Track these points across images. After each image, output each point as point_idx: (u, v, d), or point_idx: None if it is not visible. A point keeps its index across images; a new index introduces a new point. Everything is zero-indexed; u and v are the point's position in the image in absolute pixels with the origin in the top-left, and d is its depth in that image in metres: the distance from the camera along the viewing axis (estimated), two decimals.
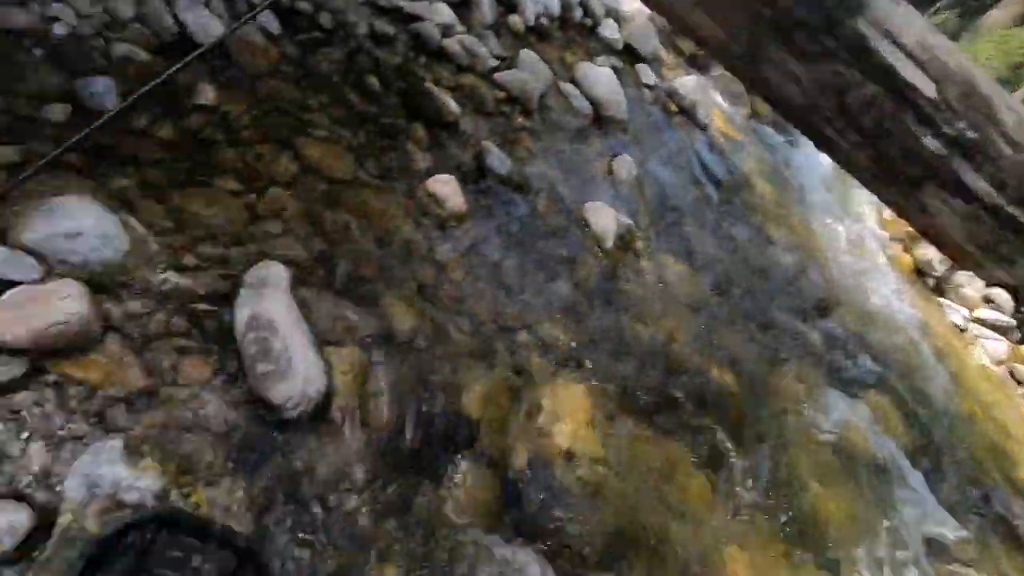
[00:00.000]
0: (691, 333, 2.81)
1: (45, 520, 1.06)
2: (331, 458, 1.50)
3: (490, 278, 2.31)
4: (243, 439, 1.39)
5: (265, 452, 1.40)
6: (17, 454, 1.09)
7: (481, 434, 1.86)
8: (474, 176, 2.63)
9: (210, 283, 1.55)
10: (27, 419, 1.14)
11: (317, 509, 1.43)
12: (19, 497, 1.05)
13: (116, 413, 1.25)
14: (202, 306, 1.50)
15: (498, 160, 2.67)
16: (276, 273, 1.61)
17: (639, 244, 2.97)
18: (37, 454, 1.11)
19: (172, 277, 1.50)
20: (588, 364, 2.34)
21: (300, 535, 1.37)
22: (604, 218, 2.78)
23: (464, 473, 1.74)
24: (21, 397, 1.15)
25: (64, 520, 1.07)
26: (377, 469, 1.57)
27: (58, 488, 1.10)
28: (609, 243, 2.74)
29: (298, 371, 1.44)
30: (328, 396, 1.54)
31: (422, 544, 1.57)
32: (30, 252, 1.30)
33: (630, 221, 2.94)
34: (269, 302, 1.50)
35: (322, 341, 1.64)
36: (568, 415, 2.10)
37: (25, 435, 1.12)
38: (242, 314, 1.47)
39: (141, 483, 1.15)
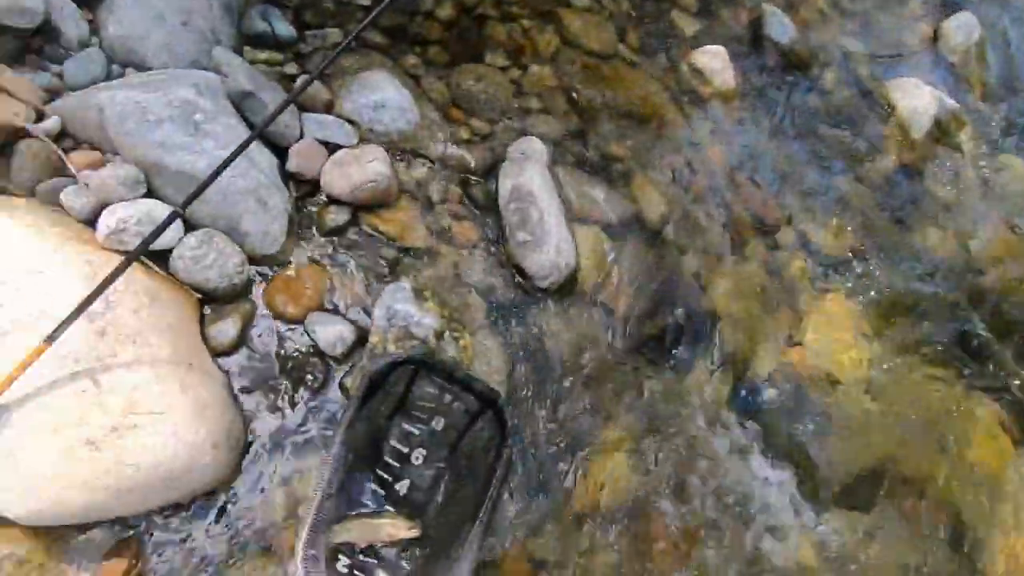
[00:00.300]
0: (1018, 260, 2.16)
1: (360, 337, 1.34)
2: (573, 330, 1.58)
3: (755, 167, 2.04)
4: (501, 300, 1.54)
5: (518, 315, 1.54)
6: (345, 285, 1.38)
7: (723, 334, 1.75)
8: (748, 47, 2.28)
9: (479, 155, 1.68)
10: (349, 257, 1.42)
11: (556, 371, 1.55)
12: (345, 317, 1.35)
13: (406, 262, 1.48)
14: (473, 176, 1.64)
15: (779, 26, 2.25)
16: (535, 148, 1.66)
17: (964, 136, 2.29)
18: (356, 286, 1.39)
19: (450, 148, 1.66)
20: (863, 278, 1.99)
21: (539, 391, 1.51)
22: (917, 99, 2.19)
23: (699, 369, 1.69)
24: (345, 240, 1.43)
25: (372, 340, 1.34)
26: (614, 347, 1.61)
27: (368, 315, 1.37)
28: (919, 131, 2.17)
29: (551, 243, 1.50)
30: (576, 271, 1.60)
31: (647, 423, 1.60)
32: (349, 120, 1.55)
33: (955, 104, 2.27)
34: (529, 175, 1.56)
35: (573, 217, 1.68)
36: (829, 331, 1.84)
37: (348, 270, 1.40)
38: (505, 185, 1.57)
39: (425, 321, 1.38)
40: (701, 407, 1.66)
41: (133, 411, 0.95)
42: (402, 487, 1.20)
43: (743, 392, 1.69)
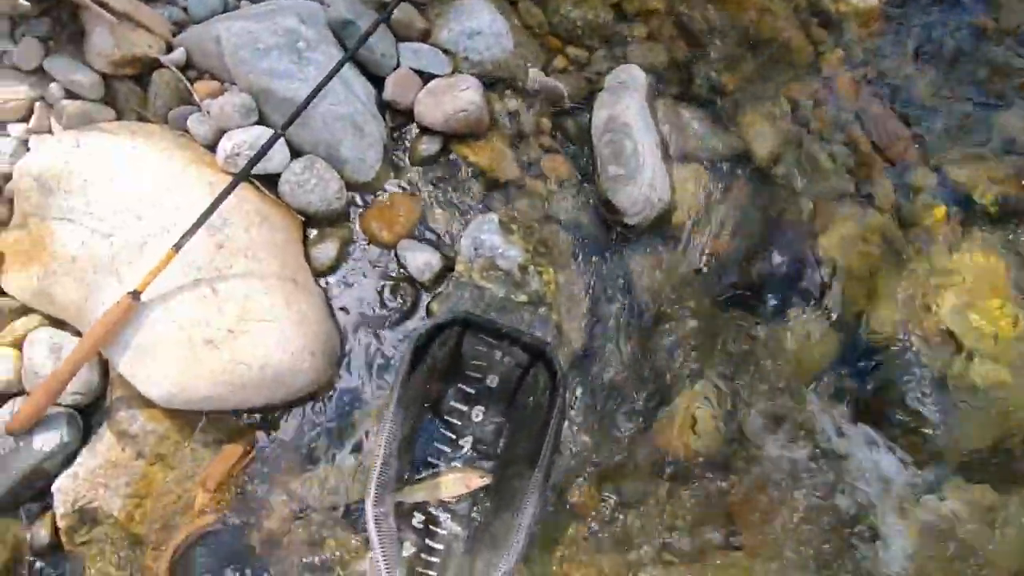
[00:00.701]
0: None
1: (447, 265, 1.38)
2: (662, 271, 1.52)
3: (894, 98, 1.79)
4: (587, 236, 1.51)
5: (605, 252, 1.51)
6: (434, 214, 1.42)
7: (835, 286, 1.60)
8: None
9: (575, 85, 1.61)
10: (439, 187, 1.45)
11: (641, 313, 1.51)
12: (434, 245, 1.39)
13: (495, 194, 1.49)
14: (566, 107, 1.58)
15: None
16: (635, 77, 1.56)
17: None
18: (445, 215, 1.42)
19: (544, 78, 1.60)
20: (1017, 231, 1.71)
21: (621, 331, 1.48)
22: None
23: (802, 323, 1.57)
24: (436, 170, 1.46)
25: (458, 269, 1.38)
26: (706, 293, 1.54)
27: (455, 244, 1.41)
28: None
29: (644, 178, 1.43)
30: (669, 210, 1.52)
31: (737, 376, 1.52)
32: (443, 50, 1.54)
33: None
34: (625, 105, 1.48)
35: (669, 153, 1.58)
36: (968, 292, 1.62)
37: (438, 199, 1.44)
38: (600, 115, 1.50)
39: (510, 253, 1.39)
40: (801, 365, 1.55)
41: (245, 317, 1.06)
42: (466, 443, 1.25)
43: (854, 352, 1.55)
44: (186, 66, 1.30)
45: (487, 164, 1.50)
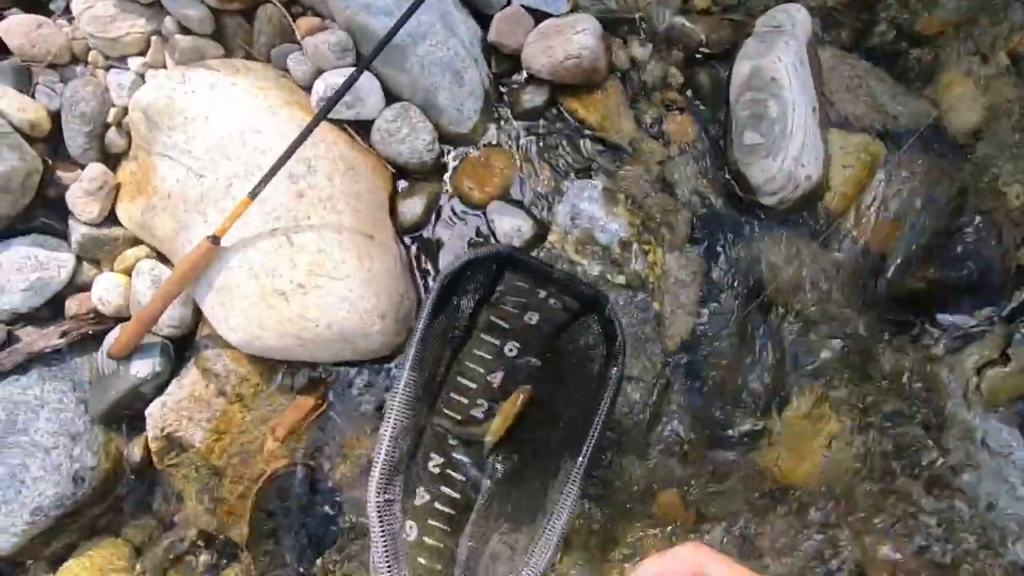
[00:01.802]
0: None
1: (539, 233, 1.24)
2: (798, 263, 1.26)
3: None
4: (709, 214, 1.28)
5: (728, 235, 1.27)
6: (532, 175, 1.28)
7: None
8: None
9: (715, 30, 1.34)
10: (541, 145, 1.30)
11: (765, 311, 1.27)
12: (527, 210, 1.25)
13: (603, 156, 1.30)
14: (701, 57, 1.33)
15: None
16: (796, 20, 1.26)
17: None
18: (544, 177, 1.27)
19: (679, 21, 1.35)
20: None
21: (736, 329, 1.26)
22: None
23: (978, 348, 1.23)
24: (539, 124, 1.30)
25: (551, 239, 1.24)
26: (855, 295, 1.25)
27: (551, 211, 1.26)
28: None
29: (790, 150, 1.16)
30: (818, 190, 1.24)
31: (881, 398, 1.25)
32: None
33: None
34: (776, 56, 1.20)
35: (829, 118, 1.27)
36: None
37: (538, 159, 1.29)
38: (742, 69, 1.23)
39: (611, 226, 1.21)
40: (967, 399, 1.23)
41: (315, 272, 1.02)
42: (495, 379, 1.07)
43: None
44: (290, 1, 1.25)
45: (598, 121, 1.31)
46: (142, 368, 1.14)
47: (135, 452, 1.19)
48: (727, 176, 1.26)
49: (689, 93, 1.33)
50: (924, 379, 1.26)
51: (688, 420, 1.24)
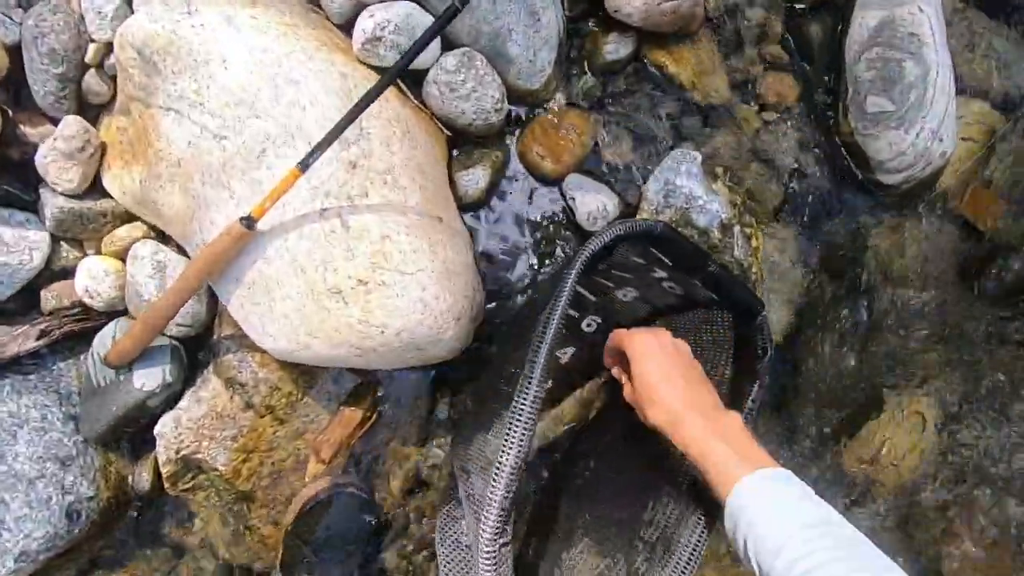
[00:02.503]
0: None
1: (626, 213, 1.06)
2: (914, 251, 1.12)
3: None
4: (817, 194, 1.12)
5: (839, 218, 1.11)
6: (615, 142, 1.08)
7: None
8: None
9: None
10: (626, 106, 1.09)
11: (872, 303, 1.13)
12: (611, 184, 1.06)
13: (695, 121, 1.11)
14: (810, 6, 1.13)
15: None
16: None
17: None
18: (630, 146, 1.07)
19: None
20: None
21: (836, 320, 1.13)
22: None
23: None
24: (624, 81, 1.09)
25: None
26: (970, 288, 1.13)
27: (640, 186, 1.07)
28: None
29: (928, 121, 0.99)
30: (940, 169, 1.08)
31: (986, 401, 1.14)
32: None
33: None
34: (917, 6, 1.01)
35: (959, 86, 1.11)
36: None
37: (623, 123, 1.08)
38: (865, 21, 1.04)
39: (712, 206, 1.03)
40: None
41: (381, 265, 0.81)
42: (564, 353, 0.89)
43: None
44: None
45: (690, 78, 1.10)
46: (149, 379, 0.92)
47: (143, 477, 0.98)
48: (840, 149, 1.09)
49: (793, 47, 1.14)
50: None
51: (782, 427, 1.12)
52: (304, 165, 0.74)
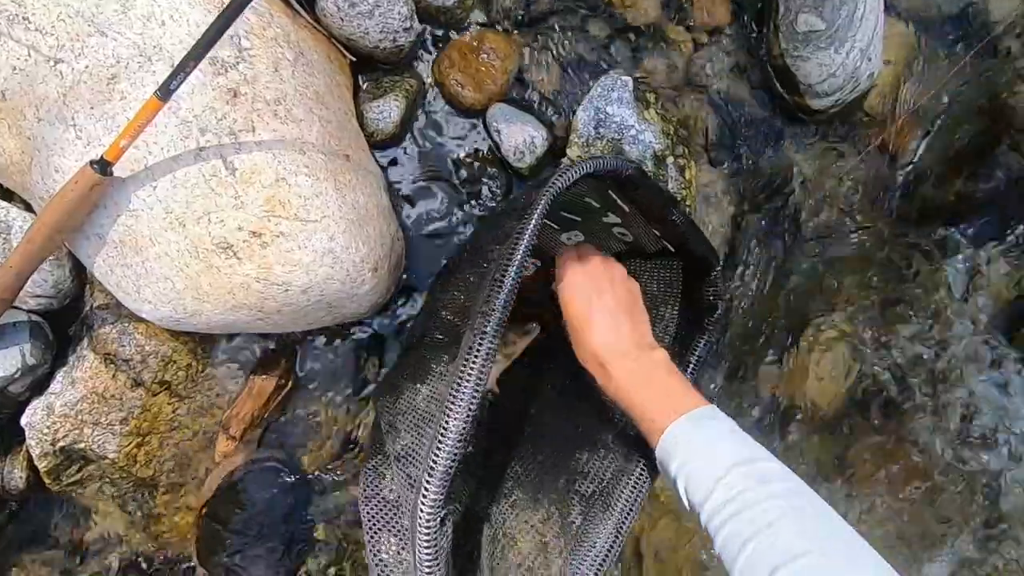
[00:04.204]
0: None
1: (555, 146, 0.98)
2: (831, 175, 1.12)
3: None
4: (745, 118, 1.08)
5: (762, 146, 1.08)
6: (542, 68, 0.98)
7: None
8: None
9: None
10: (553, 28, 0.99)
11: (796, 232, 1.13)
12: (539, 114, 0.97)
13: (627, 45, 1.03)
14: None
15: None
16: None
17: None
18: (558, 72, 0.98)
19: None
20: None
21: (765, 250, 1.12)
22: None
23: (1005, 275, 1.20)
24: (544, 1, 0.99)
25: (571, 153, 0.97)
26: (886, 211, 1.15)
27: (568, 116, 0.98)
28: None
29: (857, 41, 0.96)
30: (866, 93, 1.07)
31: (897, 319, 1.20)
32: None
33: None
34: None
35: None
36: None
37: (550, 46, 0.98)
38: None
39: (644, 136, 0.97)
40: (984, 316, 1.21)
41: (278, 213, 0.69)
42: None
43: None
44: None
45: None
46: (4, 362, 0.77)
47: (16, 475, 0.84)
48: (771, 73, 1.05)
49: None
50: (952, 300, 1.22)
51: (719, 351, 1.12)
52: (164, 92, 0.59)
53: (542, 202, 0.49)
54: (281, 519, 0.94)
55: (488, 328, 0.46)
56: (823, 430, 1.20)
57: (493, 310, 0.47)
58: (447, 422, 0.45)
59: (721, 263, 0.71)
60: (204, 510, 0.92)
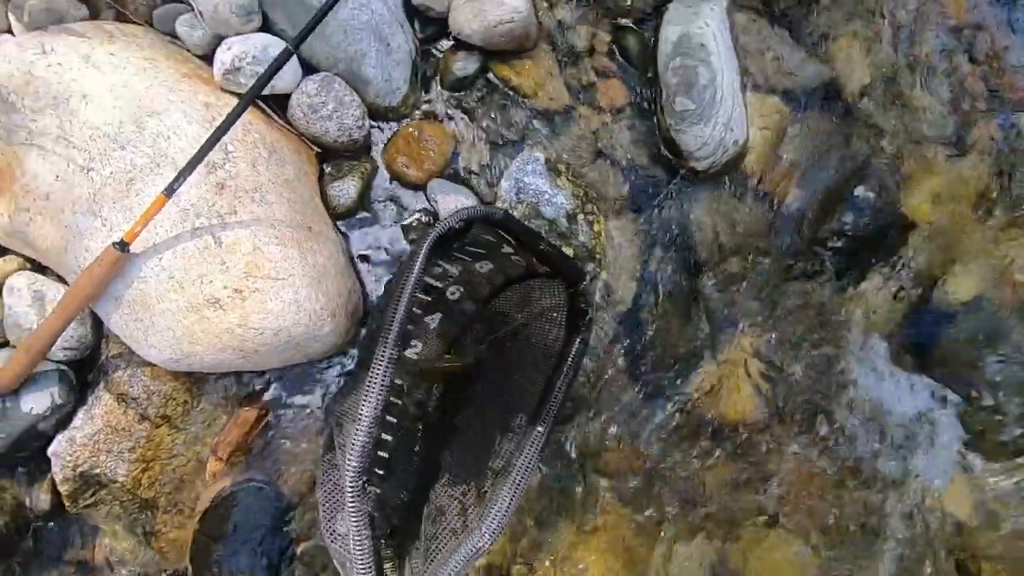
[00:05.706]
0: None
1: None
2: (725, 223, 1.34)
3: (1014, 24, 1.50)
4: (644, 180, 1.31)
5: (662, 201, 1.31)
6: (470, 148, 1.22)
7: (915, 243, 1.42)
8: None
9: None
10: (476, 116, 1.23)
11: (697, 270, 1.34)
12: (469, 186, 1.20)
13: (539, 125, 1.27)
14: (629, 20, 1.32)
15: None
16: None
17: None
18: (483, 151, 1.22)
19: None
20: None
21: (672, 288, 1.33)
22: None
23: (873, 289, 1.40)
24: (472, 95, 1.24)
25: None
26: (773, 248, 1.36)
27: (493, 186, 1.21)
28: None
29: (720, 116, 1.21)
30: (743, 152, 1.31)
31: (794, 338, 1.39)
32: None
33: None
34: (704, 21, 1.22)
35: (745, 83, 1.34)
36: None
37: (475, 131, 1.22)
38: (669, 34, 1.24)
39: (557, 199, 1.20)
40: (866, 328, 1.40)
41: (253, 274, 0.90)
42: (433, 320, 0.99)
43: (926, 317, 1.40)
44: None
45: (532, 88, 1.27)
46: (37, 403, 0.96)
47: (41, 498, 1.02)
48: (661, 142, 1.29)
49: (619, 57, 1.33)
50: (833, 316, 1.42)
51: (633, 381, 1.30)
52: (169, 191, 0.82)
53: (426, 244, 0.71)
54: (263, 532, 1.10)
55: (389, 339, 0.67)
56: (729, 445, 1.36)
57: (391, 323, 0.68)
58: (362, 409, 0.65)
59: (589, 278, 0.92)
60: (197, 527, 1.08)
